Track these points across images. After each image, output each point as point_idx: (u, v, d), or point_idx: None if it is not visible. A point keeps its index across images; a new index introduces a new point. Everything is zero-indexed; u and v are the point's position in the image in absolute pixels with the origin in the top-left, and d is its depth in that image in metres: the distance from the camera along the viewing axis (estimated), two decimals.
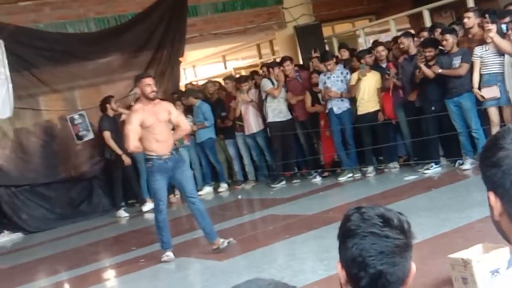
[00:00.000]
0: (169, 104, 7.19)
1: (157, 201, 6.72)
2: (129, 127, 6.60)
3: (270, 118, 10.36)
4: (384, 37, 13.20)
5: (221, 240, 6.66)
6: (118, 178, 10.81)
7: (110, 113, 10.67)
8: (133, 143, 6.56)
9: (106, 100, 10.82)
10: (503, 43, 6.14)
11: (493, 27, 6.27)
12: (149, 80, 6.71)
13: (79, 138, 11.46)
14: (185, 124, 7.20)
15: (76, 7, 12.41)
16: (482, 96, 8.01)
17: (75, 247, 8.99)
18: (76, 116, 11.49)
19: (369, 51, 10.03)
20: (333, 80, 9.71)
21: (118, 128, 10.35)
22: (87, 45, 11.82)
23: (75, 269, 7.51)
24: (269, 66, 10.86)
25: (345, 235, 1.59)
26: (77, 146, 11.56)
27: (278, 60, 11.56)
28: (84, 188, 11.59)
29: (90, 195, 11.58)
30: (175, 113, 6.98)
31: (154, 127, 6.59)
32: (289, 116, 10.42)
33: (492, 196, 1.39)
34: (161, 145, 6.58)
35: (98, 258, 7.88)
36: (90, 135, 11.45)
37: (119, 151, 10.28)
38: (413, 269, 1.58)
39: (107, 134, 10.42)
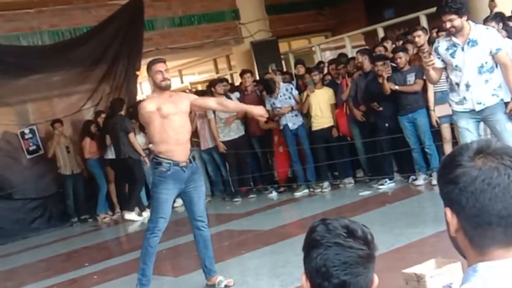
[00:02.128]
0: (188, 95, 5.98)
1: (156, 218, 5.44)
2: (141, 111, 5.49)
3: (221, 138, 10.23)
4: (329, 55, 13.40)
5: (219, 278, 5.67)
6: (141, 181, 10.53)
7: (123, 113, 10.51)
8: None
9: (122, 101, 10.70)
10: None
11: (432, 62, 6.07)
12: (160, 66, 5.49)
13: (30, 153, 11.27)
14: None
15: (30, 19, 12.24)
16: (437, 122, 8.16)
17: (26, 263, 8.81)
18: (26, 131, 11.33)
19: (318, 67, 10.14)
20: (282, 99, 9.73)
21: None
22: (40, 58, 11.64)
23: (26, 286, 7.33)
24: (211, 84, 10.51)
25: (310, 245, 1.59)
26: (29, 163, 11.34)
27: (234, 74, 11.53)
28: (39, 205, 11.34)
29: (43, 212, 11.36)
30: (197, 97, 5.90)
31: (175, 119, 5.41)
32: (242, 132, 10.35)
33: (448, 212, 1.40)
34: (181, 148, 5.44)
35: (50, 274, 7.70)
36: (41, 150, 11.28)
37: (142, 154, 10.08)
38: (375, 280, 1.60)
39: (132, 136, 10.10)
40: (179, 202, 11.11)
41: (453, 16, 5.63)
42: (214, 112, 10.04)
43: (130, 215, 10.40)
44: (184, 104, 5.54)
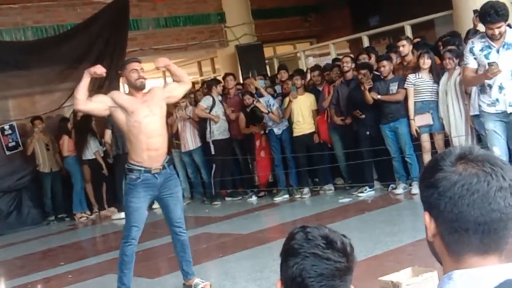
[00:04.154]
0: (158, 89, 5.64)
1: (129, 227, 5.25)
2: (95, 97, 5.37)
3: (215, 136, 10.29)
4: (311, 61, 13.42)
5: (196, 280, 5.60)
6: None
7: None
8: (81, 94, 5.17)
9: None
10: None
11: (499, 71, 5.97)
12: (136, 65, 5.32)
13: (9, 149, 11.17)
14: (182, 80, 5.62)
15: (14, 15, 12.14)
16: (416, 131, 8.19)
17: (1, 260, 8.72)
18: (6, 127, 11.23)
19: (301, 73, 10.15)
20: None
21: None
22: (23, 54, 11.51)
23: None
24: (210, 84, 10.84)
25: (288, 253, 1.57)
26: (6, 157, 11.22)
27: (219, 77, 11.56)
28: (12, 199, 11.22)
29: (19, 207, 11.24)
30: (168, 86, 5.61)
31: (147, 121, 5.21)
32: (228, 135, 10.43)
33: (427, 216, 1.39)
34: (154, 154, 5.24)
35: (24, 272, 7.62)
36: (20, 147, 11.17)
37: None
38: None
39: None
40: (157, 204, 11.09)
41: (502, 23, 5.64)
42: (211, 108, 10.22)
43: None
44: (158, 104, 5.34)
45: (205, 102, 10.36)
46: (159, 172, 5.26)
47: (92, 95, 11.76)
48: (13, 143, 11.25)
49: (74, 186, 11.05)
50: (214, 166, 10.44)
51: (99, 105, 5.32)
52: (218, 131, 10.31)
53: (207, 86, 10.93)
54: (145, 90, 5.44)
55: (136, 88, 5.31)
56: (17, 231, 10.78)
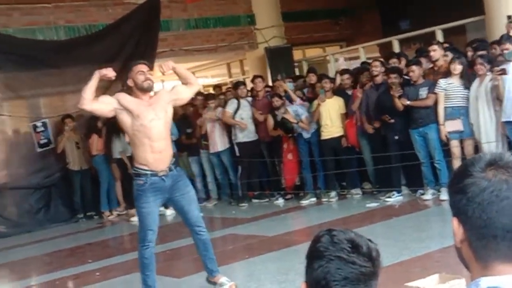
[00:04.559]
0: (165, 92, 5.71)
1: (144, 231, 5.24)
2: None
3: (240, 139, 10.32)
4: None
5: (222, 279, 5.59)
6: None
7: None
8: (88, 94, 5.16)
9: None
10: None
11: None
12: (142, 67, 5.35)
13: (41, 146, 11.34)
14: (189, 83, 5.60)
15: (46, 14, 12.30)
16: (446, 136, 8.13)
17: (30, 256, 8.84)
18: (39, 124, 11.39)
19: (328, 77, 10.11)
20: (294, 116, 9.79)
21: None
22: (55, 53, 11.66)
23: (27, 279, 7.39)
24: (235, 86, 10.91)
25: (313, 256, 1.57)
26: (37, 154, 11.38)
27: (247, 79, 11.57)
28: (42, 196, 11.39)
29: (48, 204, 11.39)
30: (175, 89, 5.56)
31: (152, 125, 5.21)
32: (256, 137, 10.42)
33: (455, 222, 1.38)
34: (159, 156, 5.24)
35: (52, 269, 7.72)
36: (51, 144, 11.33)
37: None
38: None
39: None
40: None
41: None
42: (236, 111, 10.24)
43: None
44: (162, 107, 5.33)
45: (230, 106, 10.35)
46: (166, 175, 5.25)
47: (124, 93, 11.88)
48: (45, 140, 11.42)
49: (100, 185, 11.18)
50: (240, 168, 10.48)
51: (104, 106, 5.32)
52: (242, 133, 10.32)
53: (232, 87, 10.97)
54: (151, 93, 5.47)
55: (143, 90, 5.30)
56: (46, 228, 10.93)
